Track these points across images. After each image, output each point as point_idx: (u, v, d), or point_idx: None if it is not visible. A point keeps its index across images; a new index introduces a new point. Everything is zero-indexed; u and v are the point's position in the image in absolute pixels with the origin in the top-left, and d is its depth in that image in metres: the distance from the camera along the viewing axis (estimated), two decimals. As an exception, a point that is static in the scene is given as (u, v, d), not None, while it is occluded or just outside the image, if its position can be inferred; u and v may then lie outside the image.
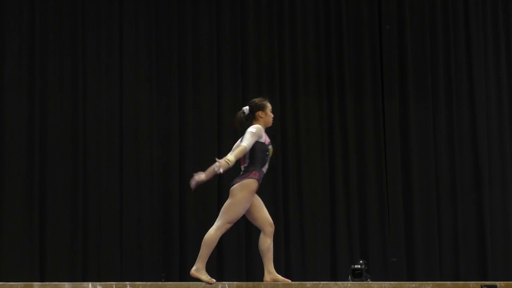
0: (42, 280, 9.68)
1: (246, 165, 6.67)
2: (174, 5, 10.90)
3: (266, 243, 6.68)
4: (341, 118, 11.21)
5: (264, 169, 6.70)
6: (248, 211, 6.69)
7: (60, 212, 10.22)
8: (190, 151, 10.63)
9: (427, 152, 11.26)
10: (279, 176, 10.91)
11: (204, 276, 6.52)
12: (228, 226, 6.62)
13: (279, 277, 6.69)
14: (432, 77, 11.40)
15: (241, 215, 6.66)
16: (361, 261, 9.87)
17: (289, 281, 6.72)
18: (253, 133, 6.60)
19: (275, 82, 11.08)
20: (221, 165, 6.35)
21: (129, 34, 10.74)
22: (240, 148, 6.50)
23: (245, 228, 10.60)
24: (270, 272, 6.68)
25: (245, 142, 6.54)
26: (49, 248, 10.12)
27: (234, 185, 6.60)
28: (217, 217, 6.66)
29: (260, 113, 6.78)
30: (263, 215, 6.73)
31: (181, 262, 10.29)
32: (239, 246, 10.61)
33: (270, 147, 6.71)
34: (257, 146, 6.63)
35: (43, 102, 10.39)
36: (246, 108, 6.78)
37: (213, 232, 6.58)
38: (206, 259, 6.57)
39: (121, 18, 10.75)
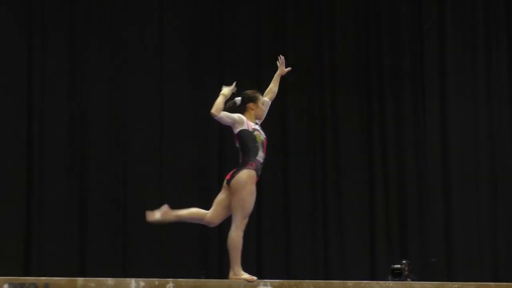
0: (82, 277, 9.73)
1: (240, 159, 6.61)
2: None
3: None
4: (380, 115, 11.17)
5: (259, 157, 6.52)
6: (226, 203, 6.59)
7: (100, 210, 10.30)
8: (229, 146, 10.64)
9: (468, 151, 11.17)
10: (317, 175, 10.89)
11: (245, 275, 6.48)
12: (245, 221, 6.55)
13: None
14: (473, 74, 11.32)
15: (253, 206, 6.57)
16: (404, 261, 9.80)
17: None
18: (233, 115, 6.52)
19: (314, 79, 11.09)
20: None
21: (169, 28, 10.83)
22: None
23: (284, 227, 10.60)
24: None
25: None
26: (89, 246, 10.20)
27: (233, 178, 6.50)
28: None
29: (251, 104, 6.67)
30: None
31: (220, 261, 10.29)
32: (278, 244, 10.63)
33: (256, 133, 6.59)
34: (243, 135, 6.55)
35: (84, 101, 10.55)
36: (238, 99, 6.66)
37: (235, 234, 6.48)
38: (239, 261, 6.49)
39: (162, 10, 10.85)
